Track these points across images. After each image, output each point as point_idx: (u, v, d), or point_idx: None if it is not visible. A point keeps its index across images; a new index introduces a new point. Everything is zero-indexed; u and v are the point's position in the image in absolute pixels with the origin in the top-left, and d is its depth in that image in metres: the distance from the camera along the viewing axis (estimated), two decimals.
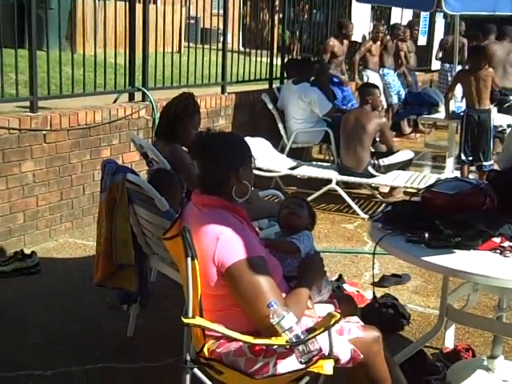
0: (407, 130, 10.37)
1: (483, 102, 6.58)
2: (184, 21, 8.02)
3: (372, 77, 9.35)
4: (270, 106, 7.14)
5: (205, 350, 2.29)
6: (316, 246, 2.93)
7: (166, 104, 4.13)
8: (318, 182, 6.37)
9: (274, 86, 7.90)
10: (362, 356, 2.38)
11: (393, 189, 6.47)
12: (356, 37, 9.62)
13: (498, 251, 2.55)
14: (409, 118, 10.27)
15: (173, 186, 3.37)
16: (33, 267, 4.33)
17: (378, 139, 6.78)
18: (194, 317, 2.28)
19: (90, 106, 5.31)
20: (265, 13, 9.77)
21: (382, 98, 7.99)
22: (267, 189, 4.61)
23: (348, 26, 8.71)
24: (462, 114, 6.78)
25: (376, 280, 4.37)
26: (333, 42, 8.61)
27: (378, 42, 9.50)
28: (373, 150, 6.39)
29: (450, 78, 10.71)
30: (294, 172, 6.44)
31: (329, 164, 7.03)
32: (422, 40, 12.47)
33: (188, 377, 2.34)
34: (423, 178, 6.23)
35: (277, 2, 8.58)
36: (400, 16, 11.41)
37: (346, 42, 8.79)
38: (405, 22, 11.19)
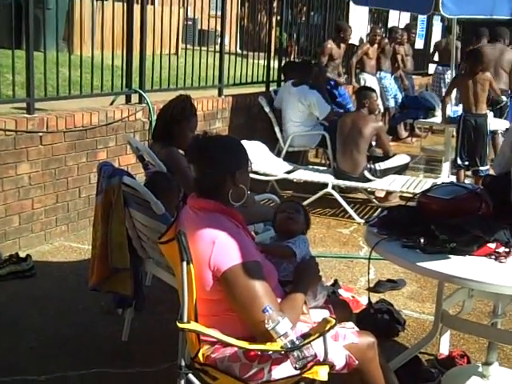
0: (403, 134, 10.38)
1: (480, 107, 6.58)
2: (181, 22, 8.02)
3: (369, 80, 9.35)
4: (267, 109, 7.14)
5: (199, 355, 2.29)
6: (311, 250, 2.93)
7: (162, 106, 4.12)
8: (314, 186, 6.37)
9: (270, 88, 7.90)
10: (356, 362, 2.37)
11: (389, 193, 6.47)
12: (353, 39, 9.63)
13: (493, 257, 2.55)
14: (405, 121, 10.29)
15: (170, 190, 3.37)
16: (28, 270, 4.32)
17: (373, 143, 6.79)
18: (189, 322, 2.27)
19: (87, 107, 5.30)
20: (262, 15, 9.76)
21: (379, 101, 8.00)
22: (263, 193, 4.60)
23: (347, 30, 8.72)
24: (458, 118, 6.78)
25: (371, 285, 4.36)
26: (331, 44, 8.61)
27: (375, 45, 9.50)
28: (368, 154, 6.39)
29: (442, 81, 10.77)
30: (290, 176, 6.44)
31: (325, 168, 7.03)
32: (419, 43, 12.50)
33: (183, 382, 2.33)
34: (419, 183, 6.24)
35: (274, 4, 8.59)
36: (397, 19, 11.43)
37: (343, 45, 8.80)
38: (402, 25, 11.20)
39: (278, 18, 8.86)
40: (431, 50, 12.06)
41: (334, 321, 2.22)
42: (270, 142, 6.97)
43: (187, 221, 2.36)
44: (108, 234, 3.20)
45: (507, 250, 2.56)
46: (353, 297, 4.13)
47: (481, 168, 6.65)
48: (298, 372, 2.19)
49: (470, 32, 10.43)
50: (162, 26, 6.10)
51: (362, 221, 5.91)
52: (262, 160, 6.43)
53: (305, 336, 2.23)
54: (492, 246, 2.57)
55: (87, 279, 3.42)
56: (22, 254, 4.43)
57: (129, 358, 3.36)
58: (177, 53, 7.04)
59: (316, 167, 7.03)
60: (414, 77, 11.33)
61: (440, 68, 10.95)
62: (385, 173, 6.22)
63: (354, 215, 6.05)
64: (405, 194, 6.01)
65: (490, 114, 6.85)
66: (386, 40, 9.96)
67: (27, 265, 4.33)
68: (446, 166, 7.41)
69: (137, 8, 5.76)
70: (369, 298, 3.56)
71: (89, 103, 5.47)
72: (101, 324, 3.71)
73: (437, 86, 10.90)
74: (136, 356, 3.38)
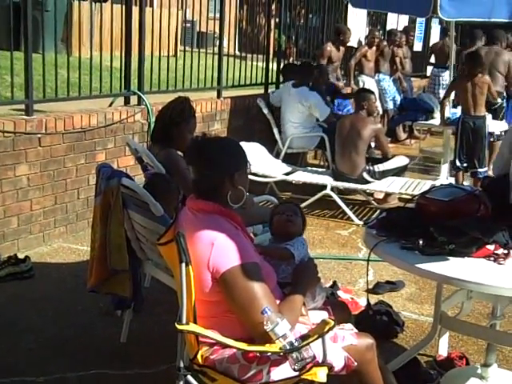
0: (402, 136, 10.39)
1: (479, 109, 6.59)
2: (180, 24, 8.03)
3: (367, 82, 9.36)
4: (266, 111, 7.15)
5: (198, 356, 2.29)
6: (310, 252, 2.92)
7: (161, 108, 4.12)
8: (313, 188, 6.37)
9: (269, 90, 7.90)
10: (355, 363, 2.37)
11: (387, 195, 6.47)
12: (352, 42, 9.64)
13: (492, 258, 2.56)
14: (404, 123, 10.30)
15: (169, 192, 3.36)
16: (26, 272, 4.31)
17: (372, 145, 6.79)
18: (187, 323, 2.27)
19: (86, 109, 5.30)
20: (261, 17, 9.77)
21: (378, 103, 8.01)
22: (262, 194, 4.60)
23: (346, 33, 8.73)
24: (457, 120, 6.79)
25: (370, 287, 4.36)
26: (330, 47, 8.63)
27: (374, 48, 9.52)
28: (367, 156, 6.40)
29: (437, 82, 10.79)
30: (289, 177, 6.44)
31: (324, 170, 7.03)
32: (418, 46, 12.52)
33: None
34: (418, 185, 6.24)
35: (273, 7, 8.60)
36: (396, 21, 11.45)
37: (342, 48, 8.81)
38: (401, 28, 11.23)
39: (277, 20, 8.88)
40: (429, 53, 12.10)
41: (332, 322, 2.22)
42: (269, 144, 6.98)
43: (186, 222, 2.36)
44: (107, 236, 3.20)
45: (506, 251, 2.56)
46: (352, 298, 4.13)
47: (479, 170, 6.66)
48: (296, 373, 2.19)
49: (467, 34, 10.43)
50: (161, 27, 6.10)
51: (361, 222, 5.92)
52: (261, 162, 6.43)
53: (304, 337, 2.22)
54: (491, 247, 2.58)
55: (86, 281, 3.41)
56: (21, 256, 4.43)
57: (127, 359, 3.36)
58: (176, 55, 7.04)
59: (315, 169, 7.03)
60: (412, 79, 11.34)
61: (436, 70, 10.97)
62: (383, 174, 6.23)
63: (353, 217, 6.05)
64: (403, 196, 6.01)
65: (489, 116, 6.86)
66: (385, 42, 9.98)
67: (26, 266, 4.33)
68: (444, 168, 7.42)
69: (135, 10, 5.76)
70: (367, 300, 3.57)
71: (87, 105, 5.47)
72: (99, 325, 3.70)
73: (432, 88, 10.92)
74: (135, 357, 3.38)
